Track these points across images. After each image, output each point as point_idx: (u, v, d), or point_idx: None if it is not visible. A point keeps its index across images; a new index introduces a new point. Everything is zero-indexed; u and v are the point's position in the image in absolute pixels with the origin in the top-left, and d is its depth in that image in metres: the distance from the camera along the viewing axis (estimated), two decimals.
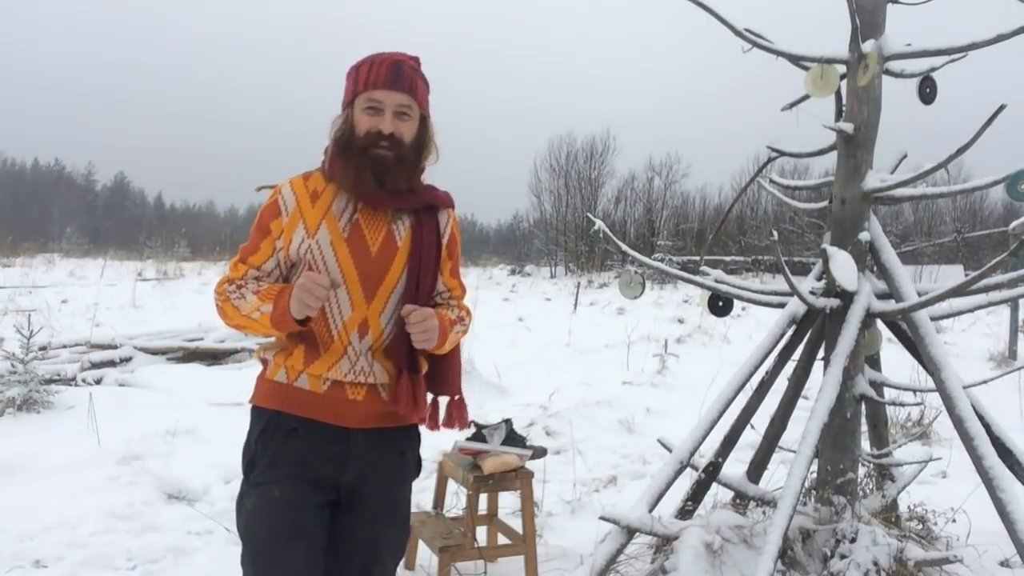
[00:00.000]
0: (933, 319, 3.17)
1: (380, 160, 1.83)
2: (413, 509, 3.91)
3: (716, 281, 3.43)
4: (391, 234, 1.89)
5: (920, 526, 3.58)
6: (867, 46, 3.20)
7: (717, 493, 3.59)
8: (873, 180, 3.28)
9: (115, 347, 7.91)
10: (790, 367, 3.40)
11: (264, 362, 1.92)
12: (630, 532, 3.09)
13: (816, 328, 3.35)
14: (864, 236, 3.25)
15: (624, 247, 3.33)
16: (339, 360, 1.83)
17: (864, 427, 3.54)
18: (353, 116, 1.87)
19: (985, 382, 3.28)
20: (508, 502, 4.00)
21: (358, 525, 1.89)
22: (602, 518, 3.15)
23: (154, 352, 8.00)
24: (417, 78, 1.91)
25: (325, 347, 1.84)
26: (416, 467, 2.02)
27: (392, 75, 1.85)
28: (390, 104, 1.85)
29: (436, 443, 4.94)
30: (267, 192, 1.95)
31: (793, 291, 3.09)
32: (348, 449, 1.84)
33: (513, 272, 36.29)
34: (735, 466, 3.51)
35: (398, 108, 1.85)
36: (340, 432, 1.84)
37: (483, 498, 3.55)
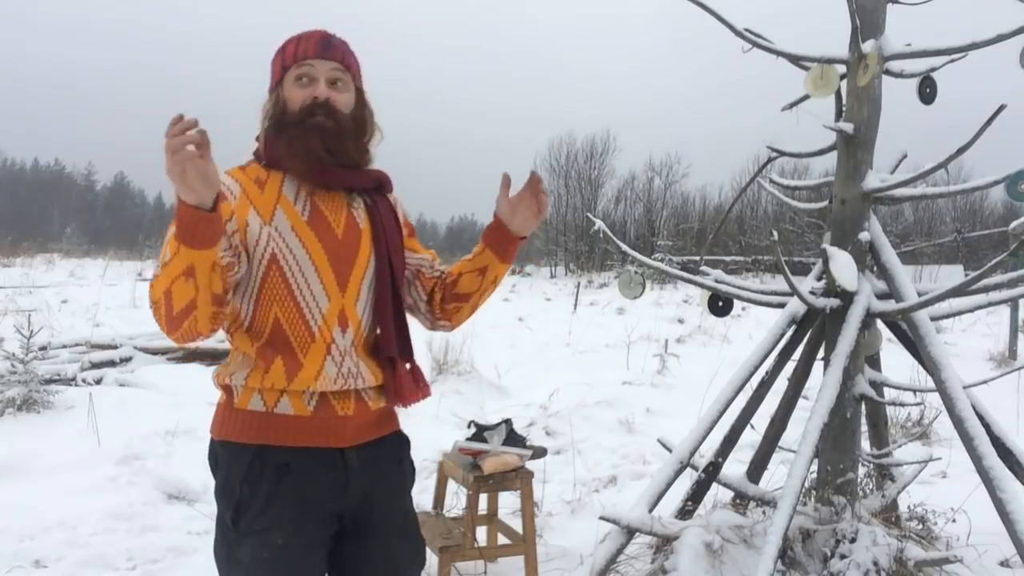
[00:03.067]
0: (933, 319, 3.17)
1: (319, 127, 1.64)
2: None
3: (716, 281, 3.43)
4: (352, 217, 1.72)
5: (920, 526, 3.58)
6: (867, 46, 3.20)
7: (717, 493, 3.59)
8: (873, 180, 3.28)
9: (115, 347, 7.90)
10: (790, 367, 3.40)
11: (227, 389, 1.66)
12: (630, 532, 3.09)
13: (816, 328, 3.35)
14: (864, 236, 3.25)
15: (624, 247, 3.33)
16: (324, 362, 1.63)
17: (864, 427, 3.54)
18: (283, 94, 1.70)
19: (985, 382, 3.27)
20: (508, 502, 3.99)
21: (371, 550, 1.73)
22: (602, 518, 3.15)
23: (154, 352, 7.99)
24: (348, 50, 1.75)
25: (305, 349, 1.62)
26: (412, 473, 1.88)
27: (322, 45, 1.70)
28: (322, 71, 1.69)
29: (436, 443, 4.96)
30: None
31: (793, 291, 3.09)
32: (346, 472, 1.66)
33: (513, 272, 36.29)
34: (735, 466, 3.51)
35: (330, 75, 1.69)
36: (335, 455, 1.65)
37: (483, 498, 3.55)
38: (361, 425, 1.70)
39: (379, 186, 1.79)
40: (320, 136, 1.64)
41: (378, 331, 1.75)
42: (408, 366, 1.77)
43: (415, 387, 1.76)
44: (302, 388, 1.62)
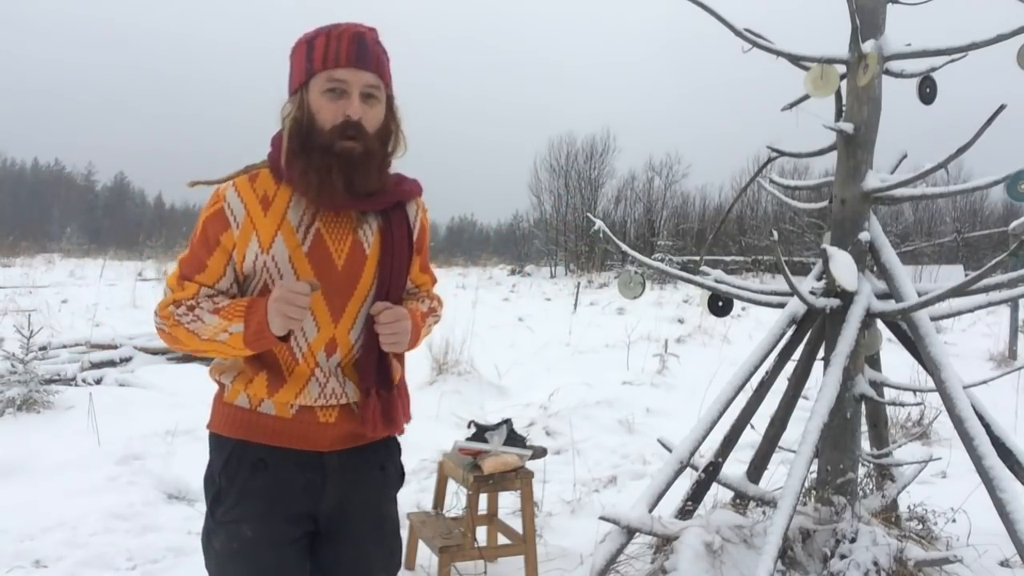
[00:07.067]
0: (933, 319, 3.17)
1: (346, 155, 1.55)
2: (413, 509, 3.94)
3: (716, 281, 3.43)
4: (358, 242, 1.64)
5: (920, 526, 3.58)
6: (867, 46, 3.20)
7: (717, 493, 3.59)
8: (873, 180, 3.28)
9: (115, 347, 7.91)
10: (790, 367, 3.40)
11: (220, 384, 1.69)
12: (630, 532, 3.09)
13: (816, 328, 3.35)
14: (864, 236, 3.25)
15: (624, 247, 3.33)
16: (307, 384, 1.62)
17: (864, 427, 3.54)
18: (308, 101, 1.58)
19: (985, 382, 3.28)
20: (508, 502, 4.00)
21: (344, 554, 1.72)
22: (602, 518, 3.15)
23: (154, 352, 7.99)
24: (381, 52, 1.62)
25: (289, 371, 1.62)
26: (399, 478, 1.84)
27: (356, 50, 1.56)
28: (356, 85, 1.56)
29: (436, 443, 4.96)
30: (204, 189, 1.67)
31: (793, 291, 3.09)
32: (323, 475, 1.65)
33: (513, 272, 36.30)
34: (735, 466, 3.51)
35: (365, 89, 1.57)
36: (313, 457, 1.64)
37: (483, 498, 3.55)
38: (343, 433, 1.68)
39: (397, 202, 1.71)
40: (342, 168, 1.56)
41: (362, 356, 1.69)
42: (381, 400, 1.68)
43: (382, 424, 1.67)
44: (284, 401, 1.63)
